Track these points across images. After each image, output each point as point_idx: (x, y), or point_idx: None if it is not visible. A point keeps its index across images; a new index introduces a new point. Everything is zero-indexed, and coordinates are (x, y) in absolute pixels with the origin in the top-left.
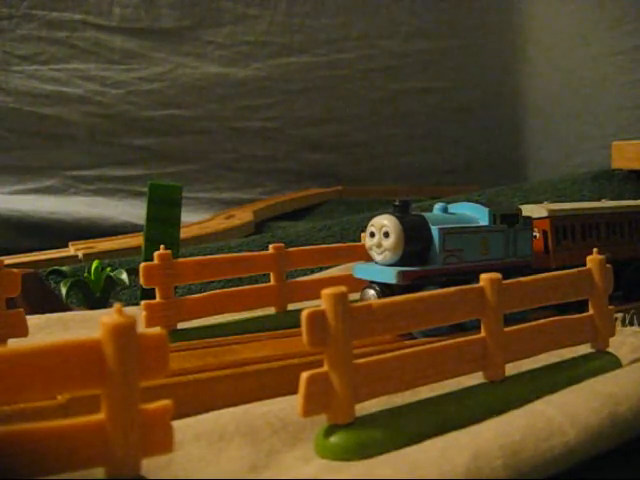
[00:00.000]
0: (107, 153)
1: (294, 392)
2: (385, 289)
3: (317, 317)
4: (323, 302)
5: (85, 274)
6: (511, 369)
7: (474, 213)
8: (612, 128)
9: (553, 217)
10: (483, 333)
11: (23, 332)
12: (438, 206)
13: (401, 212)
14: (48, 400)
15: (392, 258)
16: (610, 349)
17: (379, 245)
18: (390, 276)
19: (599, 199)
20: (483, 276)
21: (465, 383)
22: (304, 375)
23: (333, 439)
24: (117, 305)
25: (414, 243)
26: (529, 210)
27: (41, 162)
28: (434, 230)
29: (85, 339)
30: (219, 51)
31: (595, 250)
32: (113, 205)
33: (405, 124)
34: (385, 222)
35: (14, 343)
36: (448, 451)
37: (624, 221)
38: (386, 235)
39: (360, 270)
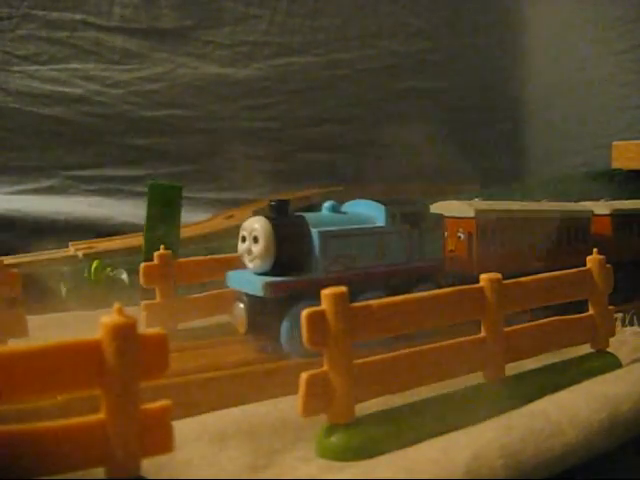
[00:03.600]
0: (107, 153)
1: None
2: (254, 302)
3: (317, 317)
4: (323, 302)
5: (85, 274)
6: (511, 369)
7: (371, 212)
8: (612, 128)
9: (480, 218)
10: (483, 333)
11: (23, 332)
12: (327, 205)
13: (277, 213)
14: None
15: (262, 266)
16: (610, 349)
17: (249, 252)
18: (257, 287)
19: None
20: (483, 276)
21: (465, 383)
22: (304, 375)
23: (333, 439)
24: (117, 305)
25: (288, 249)
26: (455, 207)
27: (41, 162)
28: (314, 233)
29: (85, 339)
30: (219, 51)
31: (595, 250)
32: (113, 205)
33: (405, 124)
34: (255, 225)
35: (14, 343)
36: (448, 451)
37: (566, 226)
38: (255, 240)
39: (233, 278)
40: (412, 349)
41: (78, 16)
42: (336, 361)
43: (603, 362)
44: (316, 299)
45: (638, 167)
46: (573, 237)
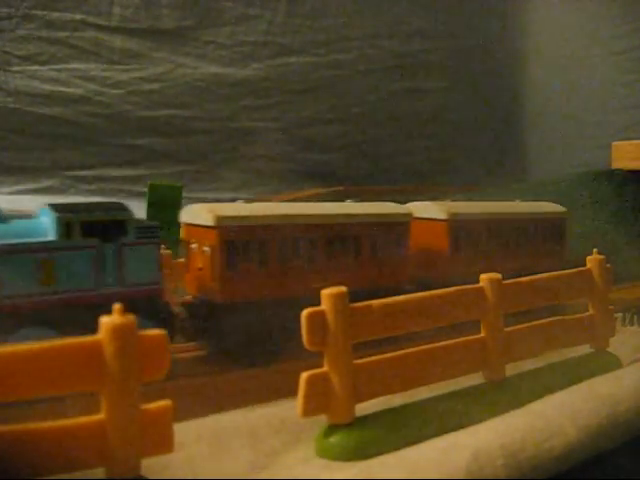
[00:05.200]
0: (107, 153)
1: None
2: None
3: (317, 317)
4: (323, 302)
5: None
6: (511, 369)
7: (45, 222)
8: (612, 128)
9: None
10: (483, 333)
11: None
12: None
13: None
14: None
15: None
16: (610, 349)
17: None
18: None
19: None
20: (483, 276)
21: (465, 383)
22: (304, 375)
23: (333, 439)
24: (117, 305)
25: None
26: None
27: (41, 162)
28: None
29: (85, 339)
30: (219, 51)
31: (595, 251)
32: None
33: (405, 124)
34: None
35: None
36: (448, 451)
37: (367, 234)
38: None
39: None
40: (412, 349)
41: (78, 16)
42: (336, 361)
43: (603, 362)
44: None
45: (638, 167)
46: (382, 247)
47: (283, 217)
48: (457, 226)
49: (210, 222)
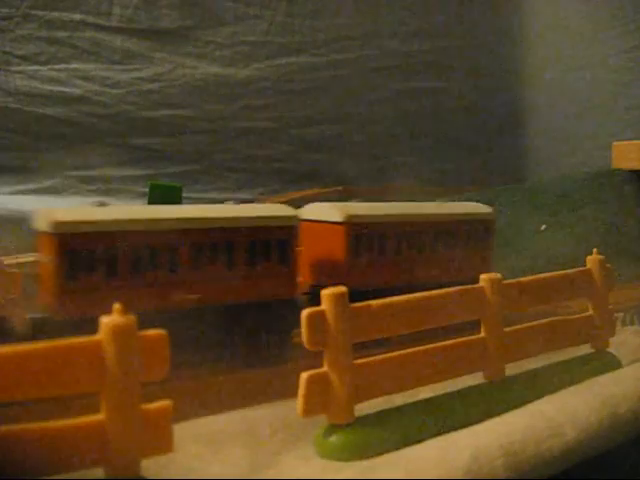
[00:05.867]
0: (107, 153)
1: None
2: None
3: (317, 317)
4: (323, 302)
5: None
6: (511, 369)
7: None
8: (612, 128)
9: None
10: (483, 333)
11: None
12: None
13: None
14: None
15: None
16: (610, 349)
17: None
18: None
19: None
20: (483, 276)
21: (465, 383)
22: (304, 375)
23: (333, 439)
24: (117, 305)
25: None
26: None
27: (41, 162)
28: None
29: (85, 339)
30: (219, 51)
31: (595, 251)
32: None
33: (405, 124)
34: None
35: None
36: (448, 451)
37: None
38: None
39: None
40: (412, 349)
41: (78, 16)
42: (336, 361)
43: (603, 362)
44: None
45: (638, 167)
46: (260, 255)
47: (131, 222)
48: (356, 230)
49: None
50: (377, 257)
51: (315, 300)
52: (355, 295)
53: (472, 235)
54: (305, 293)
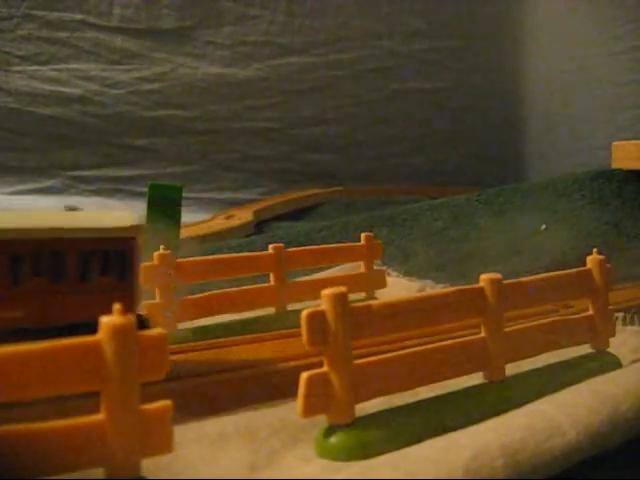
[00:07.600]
0: (107, 153)
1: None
2: None
3: (317, 317)
4: (323, 302)
5: None
6: (511, 369)
7: None
8: (612, 128)
9: None
10: (483, 333)
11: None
12: None
13: None
14: None
15: None
16: (610, 349)
17: None
18: None
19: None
20: (483, 276)
21: (465, 383)
22: (304, 375)
23: (333, 439)
24: (117, 305)
25: None
26: None
27: (41, 162)
28: None
29: (85, 339)
30: (219, 51)
31: (595, 251)
32: (113, 205)
33: (405, 124)
34: None
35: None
36: (448, 451)
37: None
38: None
39: None
40: (412, 349)
41: (78, 16)
42: (336, 361)
43: (603, 362)
44: None
45: (638, 167)
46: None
47: None
48: None
49: None
50: None
51: None
52: None
53: (104, 258)
54: None
